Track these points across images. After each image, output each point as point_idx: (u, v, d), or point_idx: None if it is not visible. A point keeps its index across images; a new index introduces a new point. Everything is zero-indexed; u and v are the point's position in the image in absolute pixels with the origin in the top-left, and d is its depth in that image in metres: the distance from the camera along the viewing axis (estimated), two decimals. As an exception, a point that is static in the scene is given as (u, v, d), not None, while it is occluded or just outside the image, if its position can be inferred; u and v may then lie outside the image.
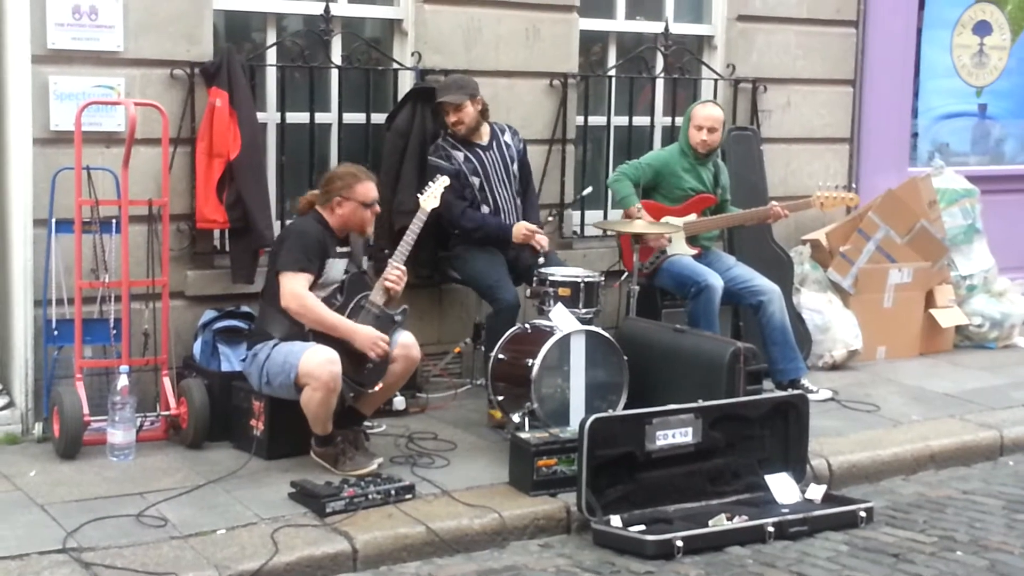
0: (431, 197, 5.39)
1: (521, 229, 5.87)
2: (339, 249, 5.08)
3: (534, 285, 5.64)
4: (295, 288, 4.89)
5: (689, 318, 6.13)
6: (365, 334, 4.92)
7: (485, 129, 6.00)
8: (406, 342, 5.12)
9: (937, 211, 7.50)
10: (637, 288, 5.92)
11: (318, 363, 4.78)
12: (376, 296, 5.11)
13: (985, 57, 8.34)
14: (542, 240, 5.86)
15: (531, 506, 4.69)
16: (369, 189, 5.09)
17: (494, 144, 6.03)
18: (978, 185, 7.75)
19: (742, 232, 6.80)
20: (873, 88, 7.77)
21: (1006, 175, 8.38)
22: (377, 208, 5.15)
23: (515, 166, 6.07)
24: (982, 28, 8.31)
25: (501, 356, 5.43)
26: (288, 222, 5.58)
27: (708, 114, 6.34)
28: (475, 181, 5.93)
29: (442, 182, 5.46)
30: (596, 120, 6.98)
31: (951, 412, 6.25)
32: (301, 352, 4.83)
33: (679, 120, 6.73)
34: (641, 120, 7.09)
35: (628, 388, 5.41)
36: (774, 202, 6.53)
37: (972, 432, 5.95)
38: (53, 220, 5.30)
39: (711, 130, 6.31)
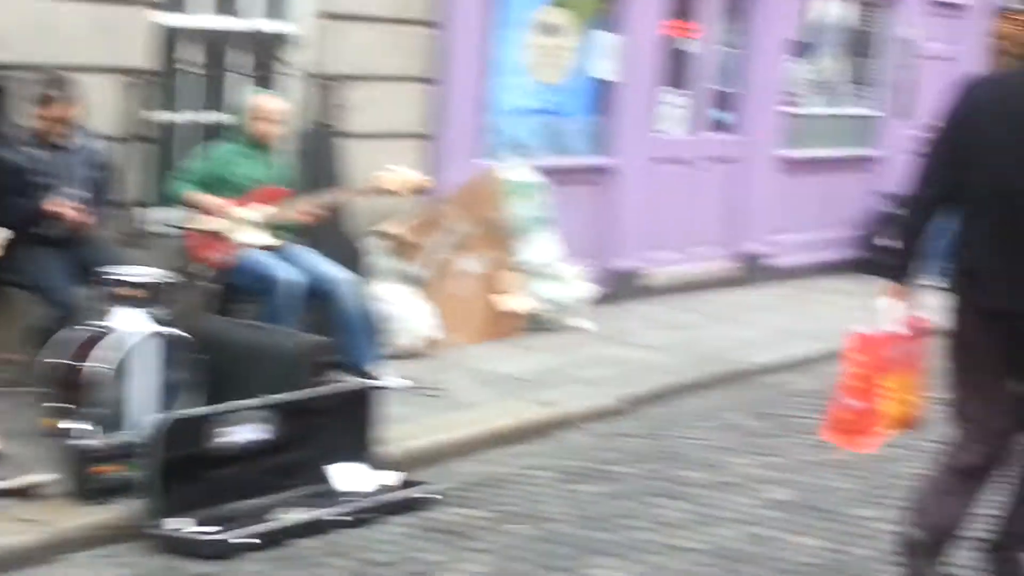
0: None
1: (51, 203, 5.70)
2: None
3: (99, 286, 5.51)
4: None
5: (266, 314, 6.20)
6: None
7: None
8: None
9: (508, 203, 7.97)
10: (213, 286, 5.95)
11: None
12: None
13: (554, 57, 8.89)
14: (73, 214, 5.72)
15: (89, 516, 4.61)
16: None
17: (73, 147, 5.90)
18: (547, 177, 8.28)
19: (317, 225, 6.92)
20: (451, 85, 8.11)
21: (572, 168, 8.99)
22: None
23: (93, 172, 5.96)
24: (551, 29, 8.85)
25: (59, 361, 5.26)
26: None
27: (272, 106, 6.51)
28: (42, 180, 5.77)
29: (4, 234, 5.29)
30: (175, 117, 6.93)
31: (516, 393, 6.70)
32: None
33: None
34: (223, 117, 7.10)
35: (203, 387, 5.42)
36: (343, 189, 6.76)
37: (534, 410, 6.42)
38: None
39: (276, 122, 6.48)
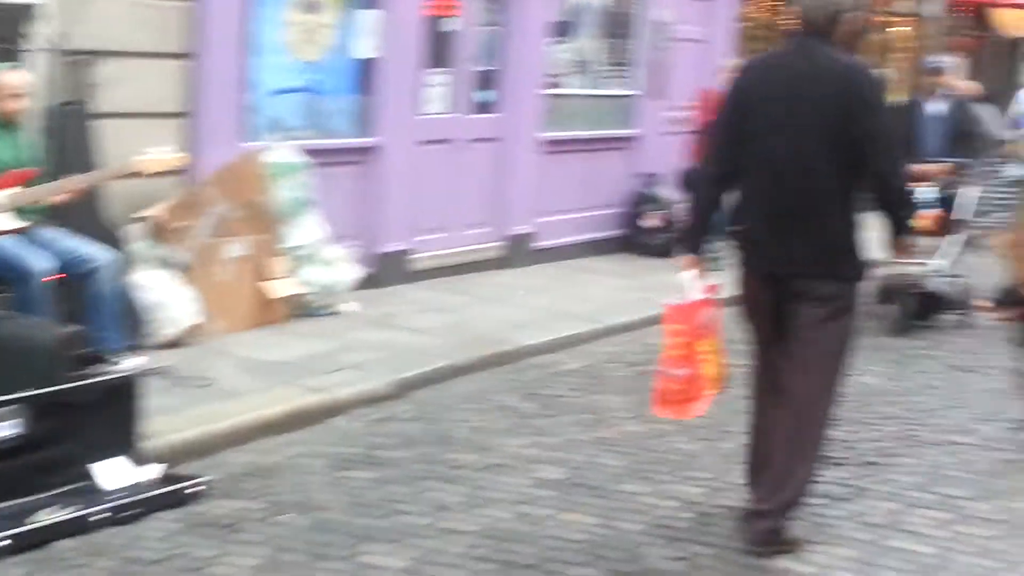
0: None
1: None
2: None
3: None
4: None
5: (16, 303, 5.91)
6: None
7: None
8: None
9: (271, 185, 7.81)
10: (-44, 277, 5.63)
11: None
12: None
13: (314, 35, 8.74)
14: None
15: None
16: None
17: None
18: (310, 158, 8.15)
19: (73, 209, 6.63)
20: (210, 63, 7.87)
21: (335, 148, 8.85)
22: None
23: None
24: (311, 7, 8.69)
25: None
26: None
27: (14, 81, 6.22)
28: None
29: None
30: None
31: (284, 380, 6.57)
32: None
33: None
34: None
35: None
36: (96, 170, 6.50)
37: (303, 397, 6.32)
38: None
39: (19, 97, 6.20)
